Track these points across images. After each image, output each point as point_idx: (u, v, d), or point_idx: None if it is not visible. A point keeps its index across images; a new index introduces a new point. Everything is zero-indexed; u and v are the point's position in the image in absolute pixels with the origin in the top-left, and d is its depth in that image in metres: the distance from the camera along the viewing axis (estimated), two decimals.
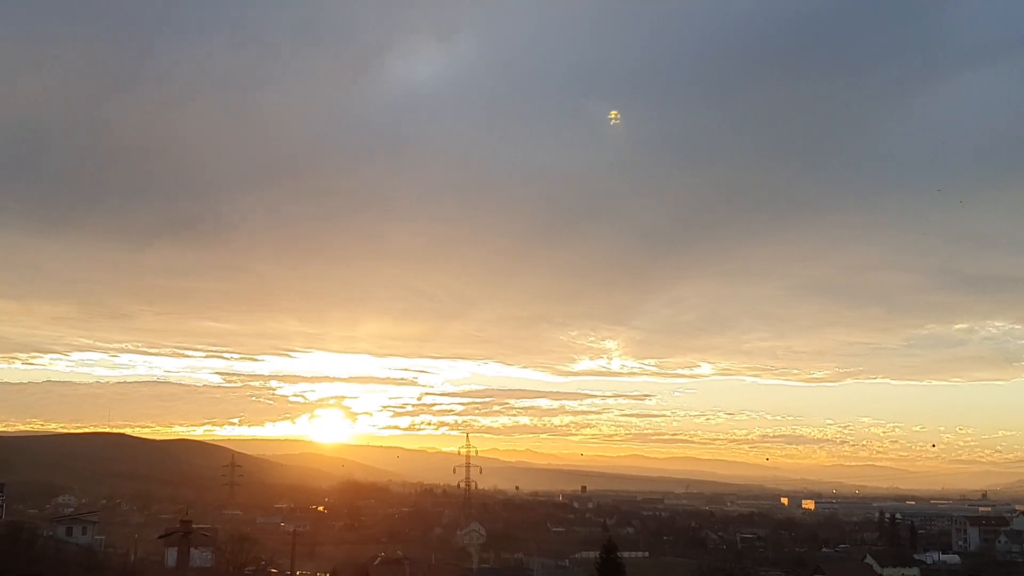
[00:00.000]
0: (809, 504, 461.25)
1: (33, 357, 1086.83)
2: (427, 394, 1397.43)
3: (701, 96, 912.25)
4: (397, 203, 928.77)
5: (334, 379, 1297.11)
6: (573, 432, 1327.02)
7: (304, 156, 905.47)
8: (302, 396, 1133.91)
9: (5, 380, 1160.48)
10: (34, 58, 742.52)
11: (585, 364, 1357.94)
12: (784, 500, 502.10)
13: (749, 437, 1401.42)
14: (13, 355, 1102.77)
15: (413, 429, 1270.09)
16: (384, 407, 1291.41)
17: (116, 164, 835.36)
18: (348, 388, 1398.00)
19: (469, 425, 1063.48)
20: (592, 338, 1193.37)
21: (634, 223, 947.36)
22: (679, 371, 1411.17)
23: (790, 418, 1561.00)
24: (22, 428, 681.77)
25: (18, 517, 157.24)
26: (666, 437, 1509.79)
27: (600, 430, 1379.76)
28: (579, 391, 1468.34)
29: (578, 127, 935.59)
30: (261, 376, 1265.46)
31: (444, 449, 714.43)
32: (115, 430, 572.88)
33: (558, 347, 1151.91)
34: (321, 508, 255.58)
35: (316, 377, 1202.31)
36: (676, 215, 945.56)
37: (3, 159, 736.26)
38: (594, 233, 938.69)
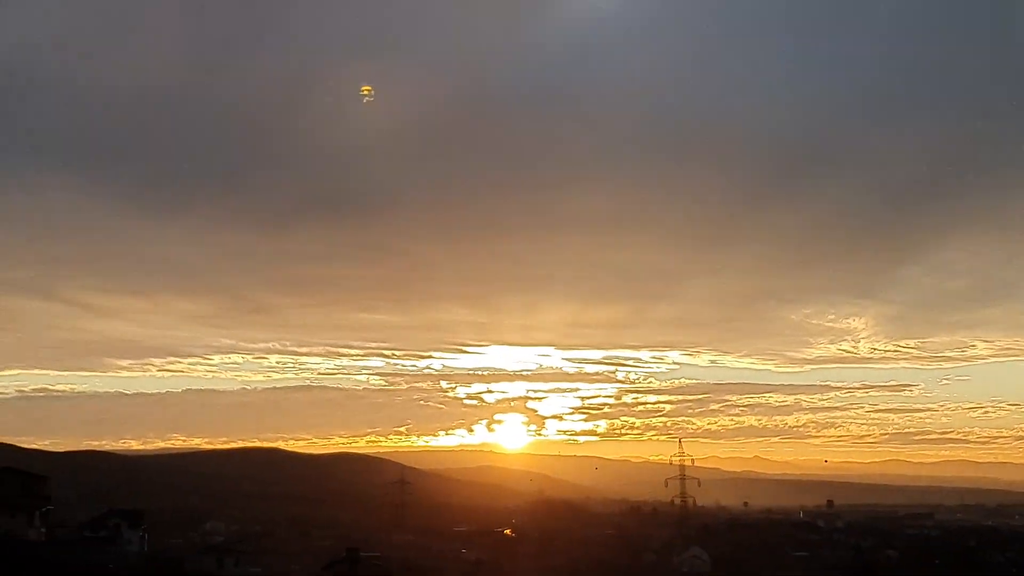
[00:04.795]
0: None
1: (170, 362, 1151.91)
2: (628, 392, 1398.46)
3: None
4: (581, 161, 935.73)
5: (514, 377, 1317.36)
6: (813, 434, 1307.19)
7: (464, 109, 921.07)
8: (478, 398, 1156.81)
9: (140, 390, 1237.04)
10: (144, 18, 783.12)
11: (824, 350, 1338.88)
12: None
13: None
14: (147, 361, 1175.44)
15: (613, 435, 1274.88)
16: (576, 409, 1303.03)
17: (239, 135, 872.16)
18: (532, 387, 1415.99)
19: (681, 428, 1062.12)
20: (832, 317, 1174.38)
21: (882, 170, 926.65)
22: (946, 353, 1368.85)
23: None
24: (162, 445, 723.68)
25: (162, 548, 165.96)
26: (933, 437, 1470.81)
27: (847, 430, 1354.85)
28: (818, 383, 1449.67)
29: (803, 59, 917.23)
30: (429, 376, 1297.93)
31: (652, 458, 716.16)
32: (266, 444, 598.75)
33: (788, 329, 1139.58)
34: (508, 531, 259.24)
35: (493, 375, 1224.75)
36: (937, 157, 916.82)
37: (112, 133, 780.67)
38: (830, 186, 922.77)
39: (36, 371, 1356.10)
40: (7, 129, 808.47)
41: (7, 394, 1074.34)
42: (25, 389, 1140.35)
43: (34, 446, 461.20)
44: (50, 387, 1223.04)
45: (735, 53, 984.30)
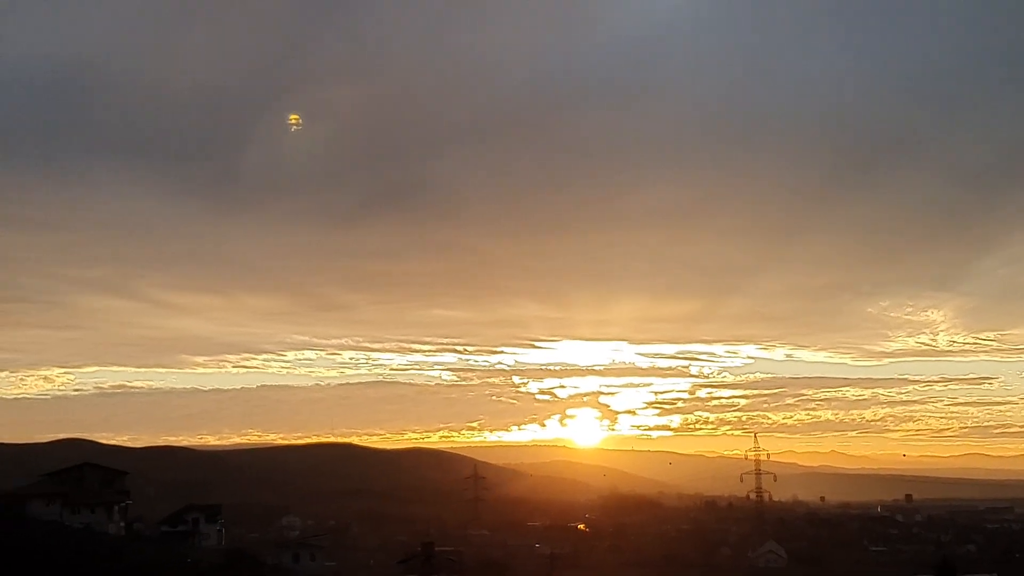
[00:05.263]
0: None
1: (245, 359, 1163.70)
2: (701, 386, 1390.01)
3: None
4: (651, 155, 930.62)
5: (586, 372, 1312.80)
6: (891, 428, 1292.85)
7: (532, 104, 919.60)
8: (550, 393, 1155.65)
9: (216, 386, 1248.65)
10: (213, 17, 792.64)
11: (902, 343, 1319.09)
12: None
13: None
14: (222, 357, 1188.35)
15: (686, 429, 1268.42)
16: (649, 404, 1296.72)
17: (309, 133, 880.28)
18: (604, 382, 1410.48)
19: (756, 423, 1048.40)
20: (910, 309, 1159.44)
21: (959, 160, 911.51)
22: None
23: None
24: (238, 441, 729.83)
25: (238, 543, 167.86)
26: (1014, 430, 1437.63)
27: (926, 424, 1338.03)
28: (896, 376, 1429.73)
29: (879, 46, 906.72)
30: (501, 371, 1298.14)
31: (726, 453, 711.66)
32: (340, 440, 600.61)
33: (865, 323, 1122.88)
34: (581, 526, 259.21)
35: (565, 370, 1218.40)
36: (1015, 146, 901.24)
37: (185, 133, 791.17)
38: (906, 177, 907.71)
39: (114, 368, 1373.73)
40: (83, 130, 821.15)
41: (86, 391, 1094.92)
42: (104, 386, 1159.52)
43: (113, 442, 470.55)
44: (128, 384, 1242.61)
45: (807, 42, 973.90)
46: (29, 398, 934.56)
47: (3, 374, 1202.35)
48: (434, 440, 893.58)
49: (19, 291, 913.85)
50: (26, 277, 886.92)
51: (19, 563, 78.48)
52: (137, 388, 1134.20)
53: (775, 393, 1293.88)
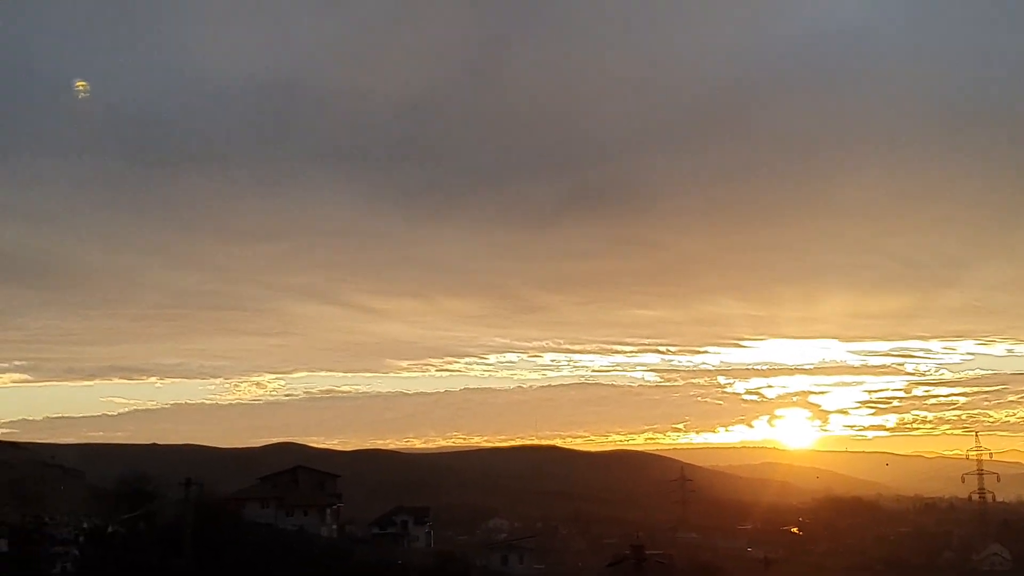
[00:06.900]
0: None
1: (448, 362, 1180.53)
2: (917, 384, 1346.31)
3: None
4: (859, 144, 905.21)
5: (794, 371, 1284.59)
6: None
7: (734, 95, 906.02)
8: (757, 394, 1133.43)
9: (420, 390, 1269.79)
10: (410, 22, 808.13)
11: None
12: None
13: None
14: (426, 362, 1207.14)
15: (903, 429, 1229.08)
16: (862, 403, 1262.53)
17: (506, 134, 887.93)
18: (813, 381, 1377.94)
19: (977, 421, 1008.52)
20: None
21: None
22: None
23: None
24: (443, 444, 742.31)
25: (447, 545, 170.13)
26: None
27: None
28: None
29: None
30: (705, 372, 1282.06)
31: (946, 453, 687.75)
32: (544, 442, 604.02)
33: None
34: (795, 529, 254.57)
35: (772, 370, 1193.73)
36: None
37: (385, 139, 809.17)
38: None
39: (322, 373, 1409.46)
40: (292, 140, 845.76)
41: (296, 395, 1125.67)
42: (313, 391, 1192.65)
43: (323, 445, 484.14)
44: (336, 388, 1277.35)
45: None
46: (243, 404, 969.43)
47: (219, 380, 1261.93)
48: (639, 442, 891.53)
49: (234, 300, 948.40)
50: (239, 286, 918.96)
51: (237, 564, 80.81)
52: (344, 392, 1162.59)
53: (997, 390, 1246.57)
